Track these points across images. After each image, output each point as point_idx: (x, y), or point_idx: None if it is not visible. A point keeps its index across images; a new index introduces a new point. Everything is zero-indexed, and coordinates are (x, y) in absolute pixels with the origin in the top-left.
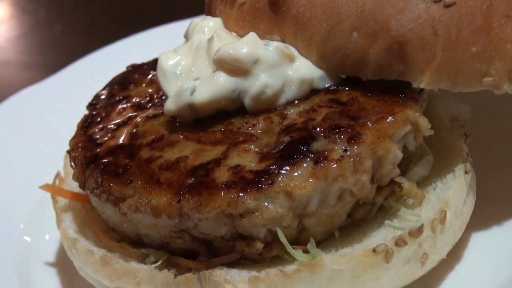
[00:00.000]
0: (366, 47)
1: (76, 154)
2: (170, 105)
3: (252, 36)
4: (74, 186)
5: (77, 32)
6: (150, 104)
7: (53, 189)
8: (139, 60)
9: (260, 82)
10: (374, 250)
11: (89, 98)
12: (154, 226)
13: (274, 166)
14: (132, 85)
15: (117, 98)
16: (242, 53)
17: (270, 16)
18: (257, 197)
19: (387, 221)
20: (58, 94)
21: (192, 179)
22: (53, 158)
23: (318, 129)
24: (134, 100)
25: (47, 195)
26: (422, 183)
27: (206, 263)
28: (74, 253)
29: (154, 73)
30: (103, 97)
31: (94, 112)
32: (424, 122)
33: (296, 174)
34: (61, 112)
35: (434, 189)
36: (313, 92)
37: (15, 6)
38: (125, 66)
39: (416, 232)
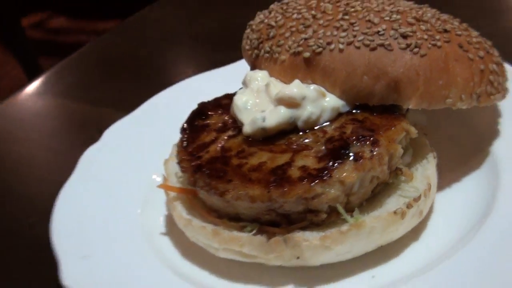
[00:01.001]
0: (373, 85)
1: (184, 165)
2: (247, 129)
3: (297, 81)
4: (174, 183)
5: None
6: (226, 128)
7: (167, 187)
8: (200, 96)
9: (307, 111)
10: (394, 212)
11: (165, 127)
12: (250, 208)
13: (329, 165)
14: (208, 115)
15: (201, 125)
16: (295, 93)
17: (304, 68)
18: (323, 185)
19: (399, 192)
20: (141, 123)
21: (274, 176)
22: (150, 166)
23: (350, 139)
24: (213, 126)
25: (154, 191)
26: (408, 166)
27: (286, 229)
28: (190, 228)
29: (219, 107)
30: (190, 124)
31: (186, 136)
32: (413, 129)
33: (345, 168)
34: (146, 137)
35: (416, 170)
36: (339, 115)
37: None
38: (186, 100)
39: (417, 198)
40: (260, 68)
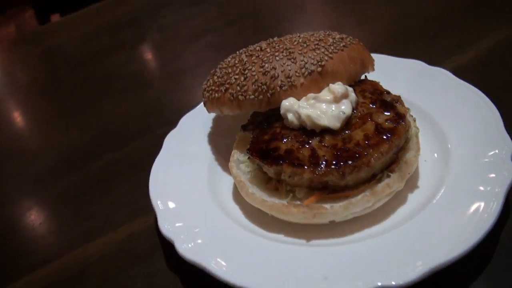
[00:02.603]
0: (355, 67)
1: (320, 171)
2: (337, 124)
3: (331, 85)
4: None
5: None
6: (307, 142)
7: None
8: None
9: (353, 96)
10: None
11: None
12: (383, 162)
13: (397, 113)
14: (277, 148)
15: (284, 155)
16: (343, 88)
17: (321, 79)
18: (407, 122)
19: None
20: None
21: (382, 135)
22: None
23: (384, 98)
24: (295, 147)
25: None
26: None
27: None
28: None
29: (272, 140)
30: (272, 160)
31: (285, 164)
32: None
33: (402, 108)
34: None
35: None
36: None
37: None
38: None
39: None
40: (281, 100)
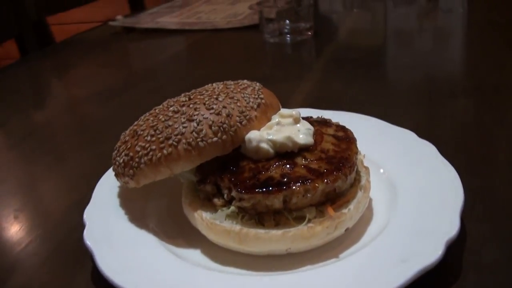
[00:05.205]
0: (277, 101)
1: (318, 191)
2: (311, 139)
3: (275, 113)
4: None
5: None
6: (291, 162)
7: None
8: None
9: (305, 123)
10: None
11: None
12: None
13: (337, 126)
14: (260, 173)
15: (264, 183)
16: (294, 111)
17: (267, 110)
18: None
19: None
20: None
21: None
22: None
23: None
24: (286, 170)
25: None
26: None
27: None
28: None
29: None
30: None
31: (285, 186)
32: None
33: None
34: None
35: None
36: None
37: None
38: None
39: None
40: (243, 136)
